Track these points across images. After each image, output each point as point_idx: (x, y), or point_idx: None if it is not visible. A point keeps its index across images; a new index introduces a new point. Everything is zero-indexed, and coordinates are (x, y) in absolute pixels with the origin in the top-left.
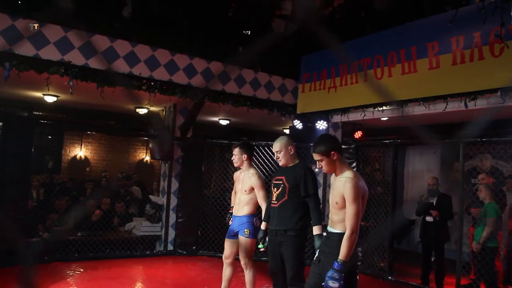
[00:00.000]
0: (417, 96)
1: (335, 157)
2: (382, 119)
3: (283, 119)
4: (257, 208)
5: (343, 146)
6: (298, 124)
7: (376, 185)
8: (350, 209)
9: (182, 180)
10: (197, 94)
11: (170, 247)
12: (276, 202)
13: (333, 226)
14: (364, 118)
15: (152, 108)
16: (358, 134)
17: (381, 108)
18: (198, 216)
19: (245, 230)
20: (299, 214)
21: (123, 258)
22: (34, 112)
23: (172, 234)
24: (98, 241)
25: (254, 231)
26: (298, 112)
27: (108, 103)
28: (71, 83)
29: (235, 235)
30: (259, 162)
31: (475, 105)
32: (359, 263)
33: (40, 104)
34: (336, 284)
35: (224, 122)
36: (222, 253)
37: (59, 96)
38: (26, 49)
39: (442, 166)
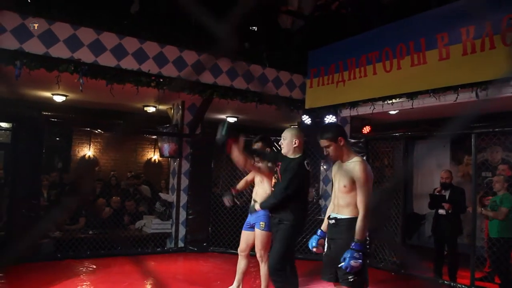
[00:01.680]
0: (427, 88)
1: (342, 143)
2: (391, 113)
3: (291, 114)
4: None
5: (352, 141)
6: (306, 120)
7: (385, 181)
8: (362, 191)
9: (192, 177)
10: (206, 90)
11: (180, 244)
12: (274, 188)
13: (340, 212)
14: (374, 111)
15: (160, 106)
16: (366, 129)
17: (391, 101)
18: (208, 213)
19: (261, 223)
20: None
21: (135, 255)
22: (43, 112)
23: (182, 231)
24: (109, 239)
25: (269, 223)
26: (307, 107)
27: (117, 102)
28: (81, 81)
29: (251, 227)
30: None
31: (486, 95)
32: (368, 247)
33: (48, 104)
34: (358, 263)
35: (232, 120)
36: (234, 249)
37: (67, 96)
38: (36, 48)
39: (452, 160)
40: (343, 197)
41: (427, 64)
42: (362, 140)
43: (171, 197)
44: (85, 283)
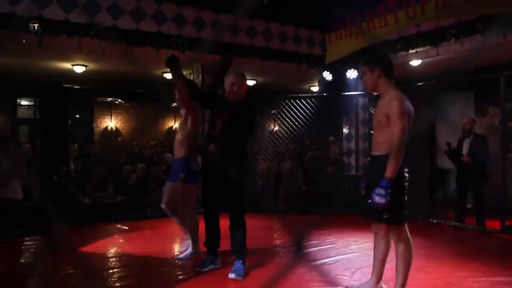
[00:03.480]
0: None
1: (377, 75)
2: (413, 64)
3: (311, 71)
4: None
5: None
6: (327, 76)
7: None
8: (395, 126)
9: None
10: (225, 50)
11: None
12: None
13: (377, 149)
14: (396, 62)
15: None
16: None
17: (413, 50)
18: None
19: (181, 174)
20: None
21: (164, 217)
22: (64, 84)
23: None
24: (137, 204)
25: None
26: (327, 62)
27: (136, 70)
28: (102, 44)
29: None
30: (290, 115)
31: None
32: (406, 184)
33: (69, 76)
34: (383, 200)
35: (251, 83)
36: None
37: (87, 66)
38: (55, 14)
39: (476, 112)
40: (380, 133)
41: (452, 6)
42: None
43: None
44: (120, 240)
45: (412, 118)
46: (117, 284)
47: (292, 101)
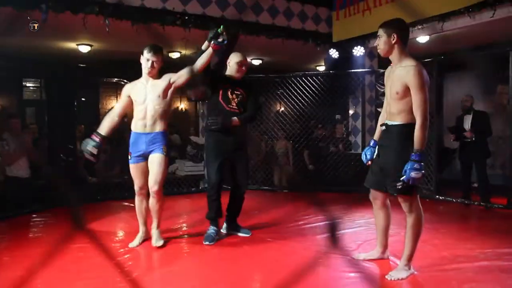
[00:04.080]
0: (461, 6)
1: (394, 40)
2: (420, 41)
3: (318, 49)
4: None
5: (381, 71)
6: (334, 53)
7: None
8: (418, 97)
9: None
10: (232, 27)
11: None
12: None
13: (392, 118)
14: None
15: (186, 51)
16: None
17: (421, 26)
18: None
19: (163, 146)
20: None
21: (171, 195)
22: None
23: None
24: None
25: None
26: (334, 40)
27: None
28: (107, 22)
29: (143, 157)
30: (297, 93)
31: None
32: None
33: (74, 57)
34: (419, 174)
35: (256, 62)
36: (268, 186)
37: (92, 46)
38: None
39: (483, 92)
40: (395, 104)
41: None
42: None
43: (202, 140)
44: (126, 216)
45: (428, 88)
46: (123, 258)
47: (298, 79)
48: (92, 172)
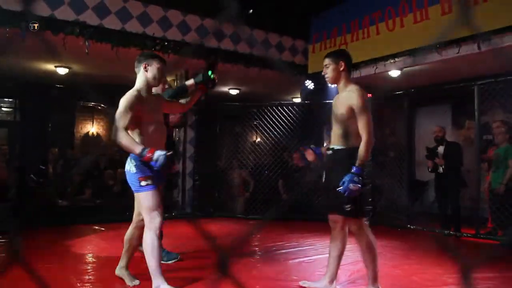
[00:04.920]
0: (430, 43)
1: (342, 68)
2: (393, 75)
3: (294, 80)
4: None
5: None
6: (309, 84)
7: (389, 150)
8: (363, 116)
9: (197, 144)
10: (210, 55)
11: (188, 210)
12: None
13: (338, 142)
14: (376, 71)
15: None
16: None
17: (393, 60)
18: (214, 179)
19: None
20: None
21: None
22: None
23: (189, 198)
24: (116, 207)
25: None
26: (310, 72)
27: (120, 74)
28: (86, 43)
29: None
30: (272, 122)
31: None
32: (366, 180)
33: (51, 78)
34: (357, 187)
35: (234, 92)
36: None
37: (71, 68)
38: (41, 9)
39: (453, 125)
40: (340, 128)
41: (430, 20)
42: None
43: (177, 167)
44: (96, 239)
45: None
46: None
47: (274, 108)
48: (62, 195)
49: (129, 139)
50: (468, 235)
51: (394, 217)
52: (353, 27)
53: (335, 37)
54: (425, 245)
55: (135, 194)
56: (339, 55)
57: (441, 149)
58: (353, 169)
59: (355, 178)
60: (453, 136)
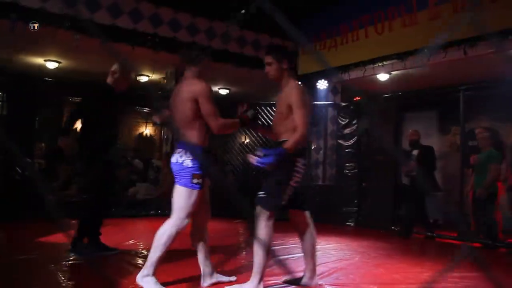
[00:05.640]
0: (417, 47)
1: (285, 66)
2: (381, 79)
3: None
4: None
5: (343, 104)
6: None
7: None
8: (298, 113)
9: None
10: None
11: None
12: None
13: (277, 138)
14: (365, 74)
15: (154, 76)
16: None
17: (382, 63)
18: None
19: None
20: None
21: (129, 217)
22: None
23: None
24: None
25: None
26: (299, 73)
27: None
28: (76, 37)
29: None
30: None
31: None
32: (296, 175)
33: (40, 73)
34: (261, 162)
35: (224, 92)
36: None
37: (60, 63)
38: (31, 2)
39: (439, 131)
40: (281, 124)
41: (418, 24)
42: (354, 102)
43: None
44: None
45: (311, 109)
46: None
47: (263, 108)
48: (48, 189)
49: (229, 120)
50: (452, 237)
51: (378, 219)
52: (343, 30)
53: (324, 39)
54: (408, 246)
55: (178, 187)
56: (281, 53)
57: (415, 152)
58: (276, 150)
59: (270, 151)
60: (440, 141)
